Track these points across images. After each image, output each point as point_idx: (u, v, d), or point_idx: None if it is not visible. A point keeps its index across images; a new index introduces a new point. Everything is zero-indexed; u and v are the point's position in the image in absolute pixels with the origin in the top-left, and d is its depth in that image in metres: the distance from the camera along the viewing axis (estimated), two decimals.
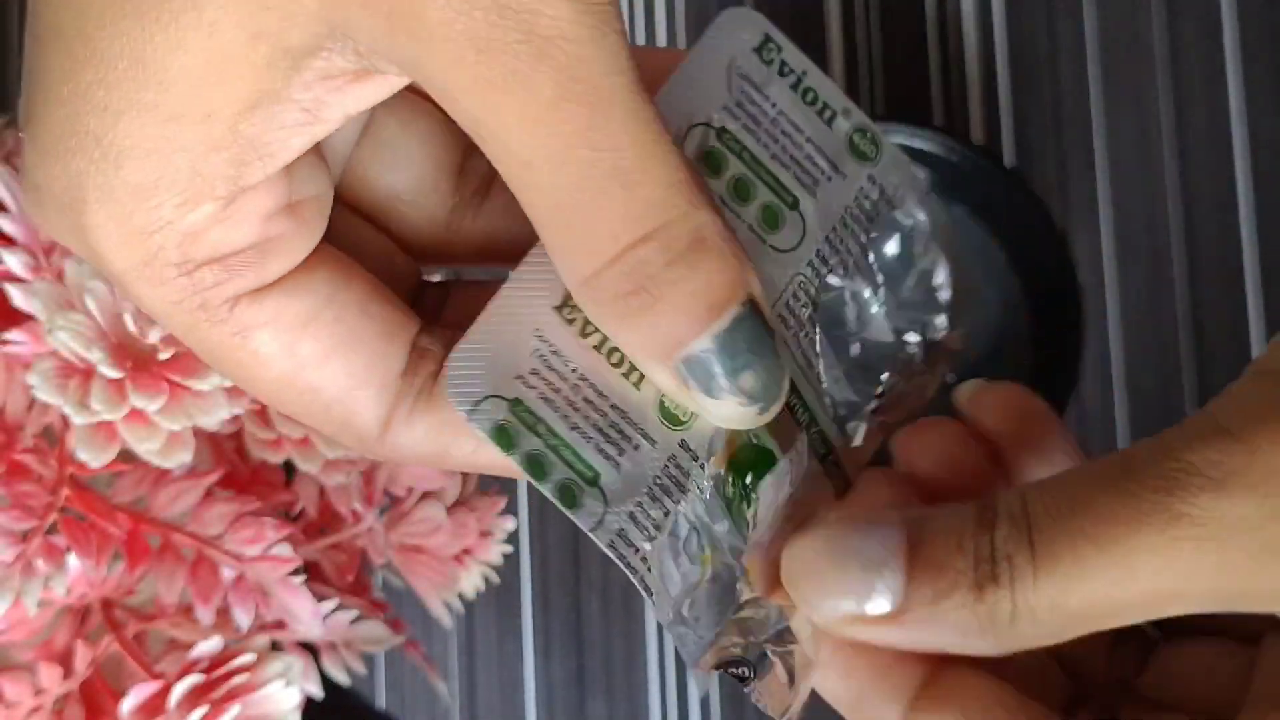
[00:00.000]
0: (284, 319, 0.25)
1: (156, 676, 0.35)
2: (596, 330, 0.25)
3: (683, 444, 0.26)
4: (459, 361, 0.25)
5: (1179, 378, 0.51)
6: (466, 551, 0.43)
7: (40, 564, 0.34)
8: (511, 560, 0.50)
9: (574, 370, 0.25)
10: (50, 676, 0.35)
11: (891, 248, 0.29)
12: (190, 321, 0.25)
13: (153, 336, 0.33)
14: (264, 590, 0.36)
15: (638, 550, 0.25)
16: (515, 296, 0.26)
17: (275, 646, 0.37)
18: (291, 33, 0.22)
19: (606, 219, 0.23)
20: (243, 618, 0.36)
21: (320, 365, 0.25)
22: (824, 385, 0.28)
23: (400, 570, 0.42)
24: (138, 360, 0.33)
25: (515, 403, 0.25)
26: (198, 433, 0.34)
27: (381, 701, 0.52)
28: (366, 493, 0.41)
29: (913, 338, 0.30)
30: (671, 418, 0.26)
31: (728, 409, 0.25)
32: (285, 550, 0.36)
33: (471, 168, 0.28)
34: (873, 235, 0.29)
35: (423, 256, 0.29)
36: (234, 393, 0.34)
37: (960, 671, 0.27)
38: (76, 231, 0.24)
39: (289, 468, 0.40)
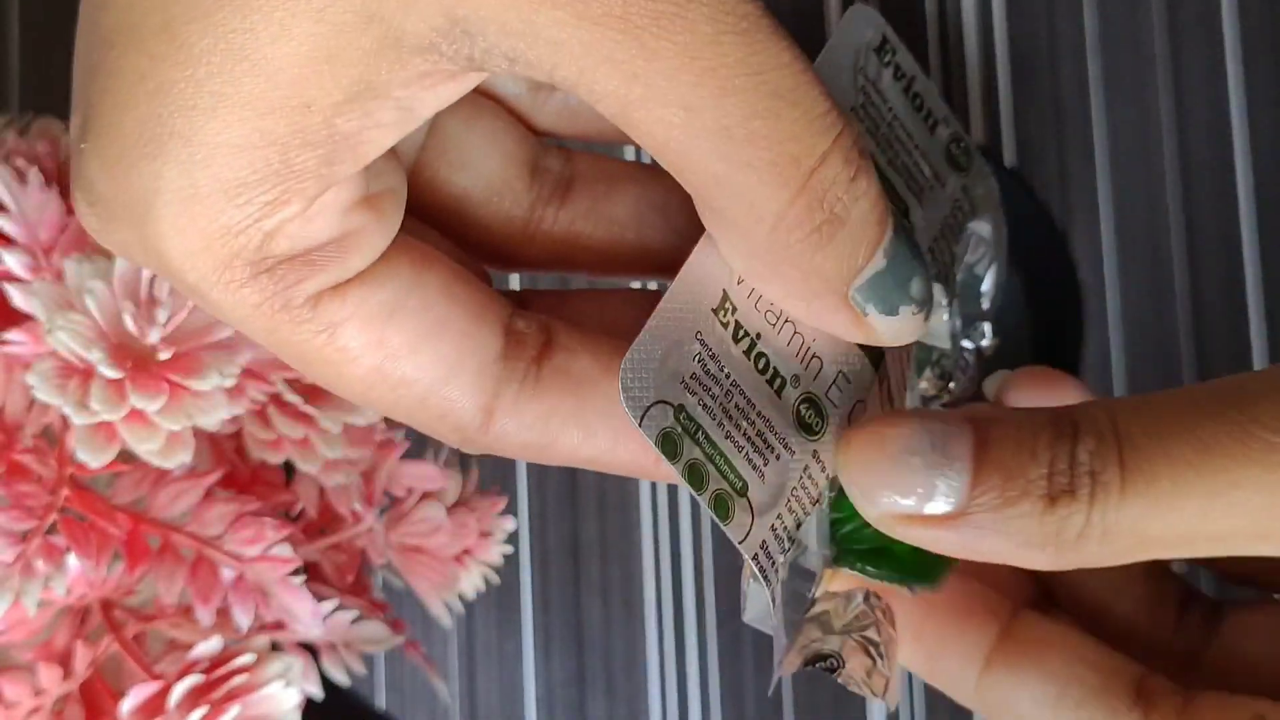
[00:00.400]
0: (368, 310, 0.24)
1: (156, 677, 0.35)
2: (745, 335, 0.25)
3: (815, 454, 0.25)
4: (632, 364, 0.24)
5: (1179, 378, 0.51)
6: (466, 551, 0.43)
7: (40, 564, 0.34)
8: (511, 560, 0.50)
9: (728, 376, 0.25)
10: (50, 677, 0.35)
11: (961, 254, 0.29)
12: (272, 324, 0.24)
13: (153, 336, 0.33)
14: (264, 590, 0.36)
15: (774, 563, 0.25)
16: (682, 295, 0.24)
17: (275, 647, 0.37)
18: (408, 19, 0.21)
19: (785, 141, 0.22)
20: (243, 618, 0.36)
21: (411, 354, 0.25)
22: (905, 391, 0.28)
23: (400, 570, 0.42)
24: (138, 360, 0.33)
25: (679, 409, 0.24)
26: (198, 433, 0.34)
27: (381, 701, 0.52)
28: (366, 493, 0.41)
29: (968, 344, 0.29)
30: (806, 427, 0.25)
31: (904, 322, 0.24)
32: (285, 550, 0.36)
33: (546, 166, 0.28)
34: (958, 246, 0.29)
35: (498, 260, 0.28)
36: (234, 393, 0.34)
37: (1035, 622, 0.26)
38: (147, 241, 0.23)
39: (289, 468, 0.40)
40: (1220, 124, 0.51)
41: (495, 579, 0.43)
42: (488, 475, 0.50)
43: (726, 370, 0.25)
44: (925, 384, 0.29)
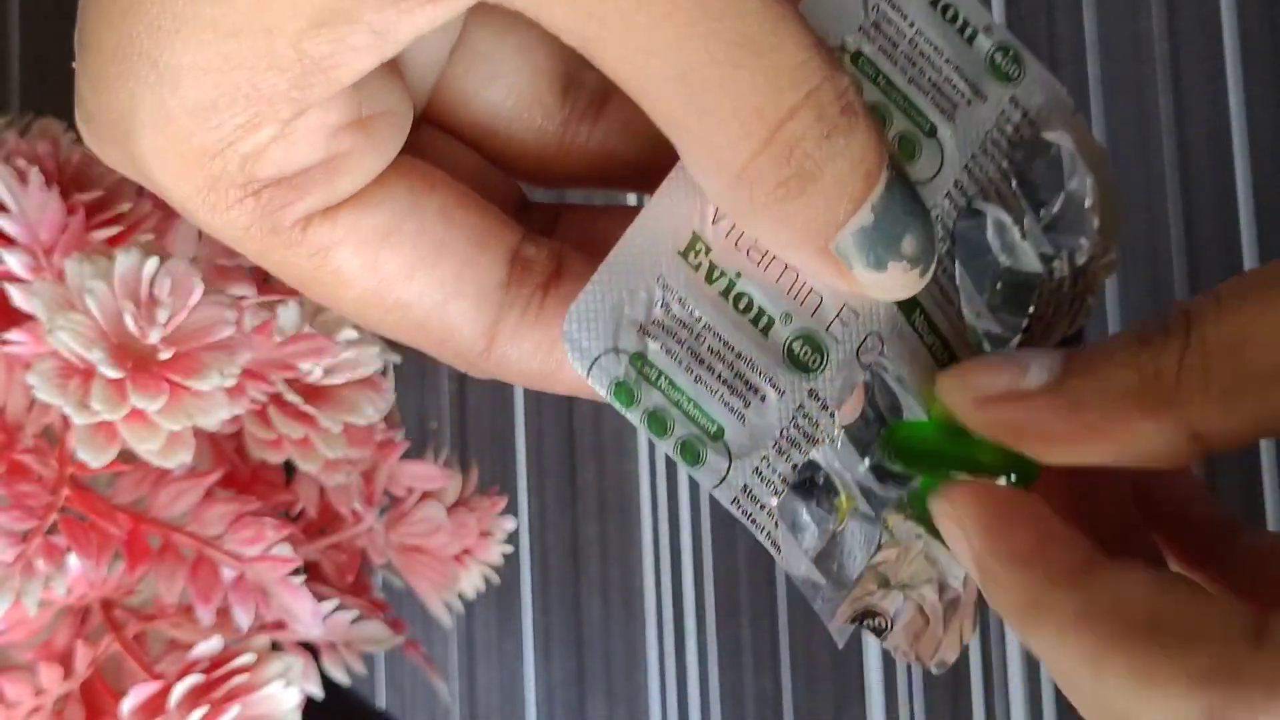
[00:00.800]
0: (360, 233, 0.24)
1: (156, 676, 0.35)
2: (722, 275, 0.24)
3: (811, 393, 0.25)
4: (578, 314, 0.23)
5: None
6: (466, 551, 0.43)
7: (40, 564, 0.34)
8: (511, 560, 0.50)
9: (698, 319, 0.24)
10: (50, 677, 0.35)
11: (1036, 171, 0.28)
12: (262, 247, 0.24)
13: (153, 336, 0.33)
14: (264, 590, 0.36)
15: (763, 506, 0.24)
16: (638, 242, 0.24)
17: (275, 646, 0.37)
18: None
19: (748, 93, 0.21)
20: (243, 618, 0.36)
21: (407, 279, 0.24)
22: (965, 321, 0.27)
23: (400, 570, 0.42)
24: (138, 360, 0.33)
25: (636, 356, 0.24)
26: (198, 433, 0.34)
27: (381, 701, 0.52)
28: (366, 493, 0.41)
29: (1060, 264, 0.28)
30: (800, 365, 0.25)
31: (893, 278, 0.24)
32: (285, 550, 0.36)
33: (581, 80, 0.27)
34: (1016, 160, 0.27)
35: (532, 176, 0.27)
36: (234, 393, 0.34)
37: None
38: (134, 161, 0.23)
39: (289, 468, 0.40)
40: (1220, 124, 0.51)
41: (495, 579, 0.44)
42: (488, 475, 0.50)
43: (696, 313, 0.24)
44: (1032, 309, 0.28)
